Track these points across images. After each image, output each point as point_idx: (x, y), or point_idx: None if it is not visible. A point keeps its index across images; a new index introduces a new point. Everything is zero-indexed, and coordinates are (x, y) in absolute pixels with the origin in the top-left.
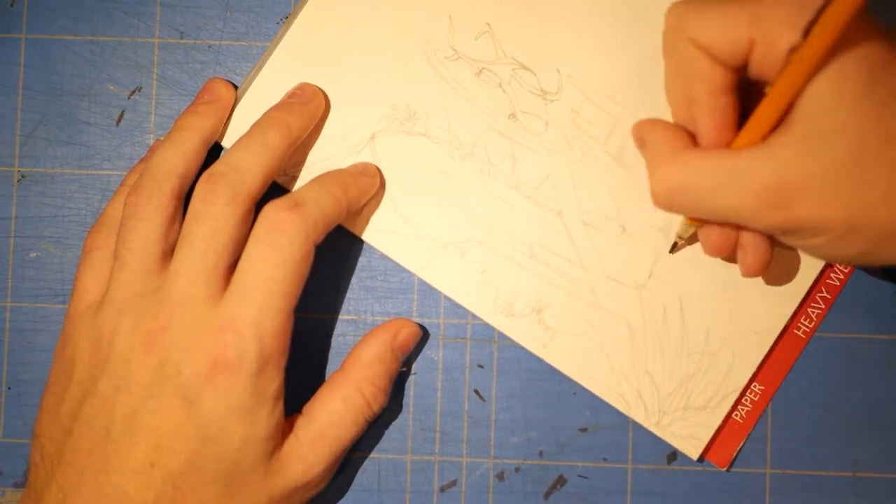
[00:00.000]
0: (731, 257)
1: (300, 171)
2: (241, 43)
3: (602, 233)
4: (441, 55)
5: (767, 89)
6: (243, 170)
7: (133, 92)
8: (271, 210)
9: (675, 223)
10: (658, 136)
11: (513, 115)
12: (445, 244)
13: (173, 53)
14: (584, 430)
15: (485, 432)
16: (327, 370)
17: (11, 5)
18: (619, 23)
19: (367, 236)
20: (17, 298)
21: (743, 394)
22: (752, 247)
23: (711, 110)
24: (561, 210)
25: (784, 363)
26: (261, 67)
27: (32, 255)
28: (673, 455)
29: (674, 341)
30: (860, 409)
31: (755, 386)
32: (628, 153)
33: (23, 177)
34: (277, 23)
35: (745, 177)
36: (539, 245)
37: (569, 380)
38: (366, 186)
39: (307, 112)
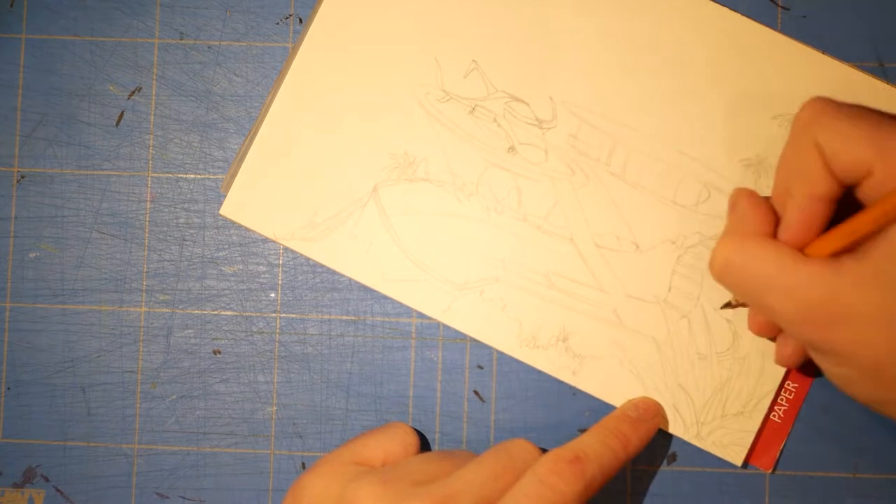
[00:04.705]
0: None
1: (308, 232)
2: (241, 43)
3: (616, 253)
4: (432, 98)
5: (864, 209)
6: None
7: (133, 92)
8: (554, 457)
9: (686, 236)
10: (749, 211)
11: (511, 149)
12: (463, 285)
13: (173, 54)
14: (583, 430)
15: (485, 433)
16: (327, 370)
17: (11, 5)
18: (607, 41)
19: (383, 288)
20: (17, 299)
21: (778, 394)
22: (794, 341)
23: (803, 212)
24: (572, 236)
25: None
26: (254, 136)
27: (32, 255)
28: (673, 456)
29: (702, 351)
30: (860, 409)
31: (789, 384)
32: (632, 170)
33: (22, 177)
34: (277, 23)
35: (802, 285)
36: (556, 274)
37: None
38: (645, 435)
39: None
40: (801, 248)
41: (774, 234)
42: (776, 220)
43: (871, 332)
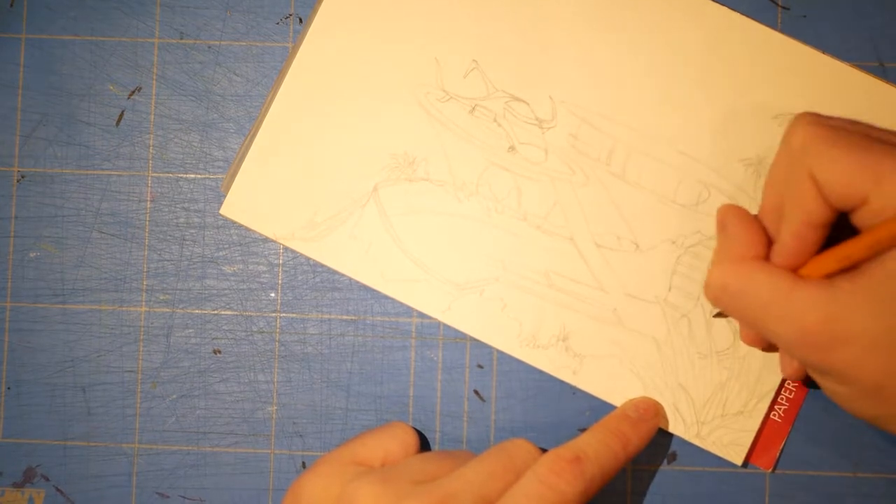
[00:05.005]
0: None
1: (308, 232)
2: (241, 43)
3: (616, 252)
4: (432, 98)
5: (859, 234)
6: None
7: (133, 92)
8: (554, 457)
9: (686, 235)
10: (740, 232)
11: (511, 148)
12: (463, 285)
13: (173, 53)
14: (583, 430)
15: (485, 433)
16: (327, 370)
17: (11, 5)
18: (607, 42)
19: (383, 288)
20: (17, 298)
21: (778, 393)
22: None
23: (798, 237)
24: (572, 235)
25: None
26: (254, 136)
27: (32, 255)
28: (673, 455)
29: (702, 351)
30: None
31: (789, 384)
32: (632, 170)
33: (22, 177)
34: (277, 23)
35: (798, 309)
36: (555, 273)
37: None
38: (645, 435)
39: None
40: (794, 269)
41: (766, 253)
42: (767, 240)
43: (869, 354)
